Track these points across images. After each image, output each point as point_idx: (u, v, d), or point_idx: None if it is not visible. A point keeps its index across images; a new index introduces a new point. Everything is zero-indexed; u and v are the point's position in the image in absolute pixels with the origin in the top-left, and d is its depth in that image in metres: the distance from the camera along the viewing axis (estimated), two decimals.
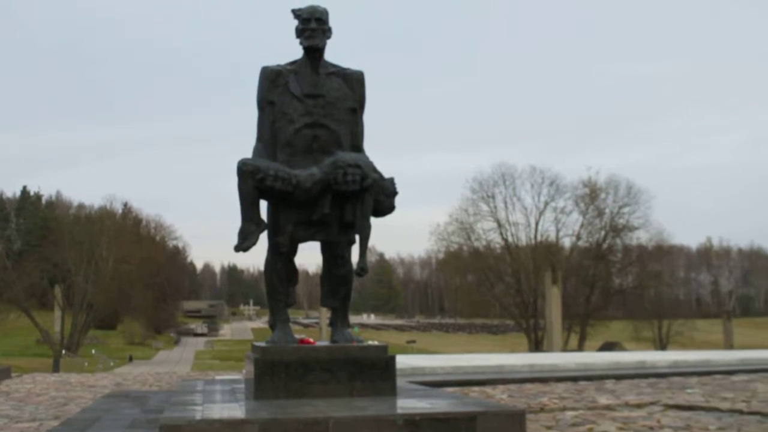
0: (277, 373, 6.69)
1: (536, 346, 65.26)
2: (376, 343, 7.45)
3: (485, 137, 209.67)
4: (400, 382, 7.73)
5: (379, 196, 7.37)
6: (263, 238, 7.28)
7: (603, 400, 10.18)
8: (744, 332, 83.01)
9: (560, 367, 16.21)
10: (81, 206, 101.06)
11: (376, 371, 6.89)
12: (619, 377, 14.45)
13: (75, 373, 21.69)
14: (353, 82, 7.58)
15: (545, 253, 69.18)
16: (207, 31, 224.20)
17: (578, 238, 72.18)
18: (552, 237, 72.68)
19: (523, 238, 71.78)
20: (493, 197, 71.70)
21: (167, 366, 51.46)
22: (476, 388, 12.21)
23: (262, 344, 7.25)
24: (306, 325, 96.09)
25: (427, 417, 5.64)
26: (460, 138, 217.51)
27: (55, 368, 47.17)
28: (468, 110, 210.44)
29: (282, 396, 6.61)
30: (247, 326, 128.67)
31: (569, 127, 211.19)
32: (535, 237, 71.56)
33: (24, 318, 66.83)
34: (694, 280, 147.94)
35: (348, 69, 7.66)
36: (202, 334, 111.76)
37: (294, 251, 7.50)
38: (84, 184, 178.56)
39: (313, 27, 7.39)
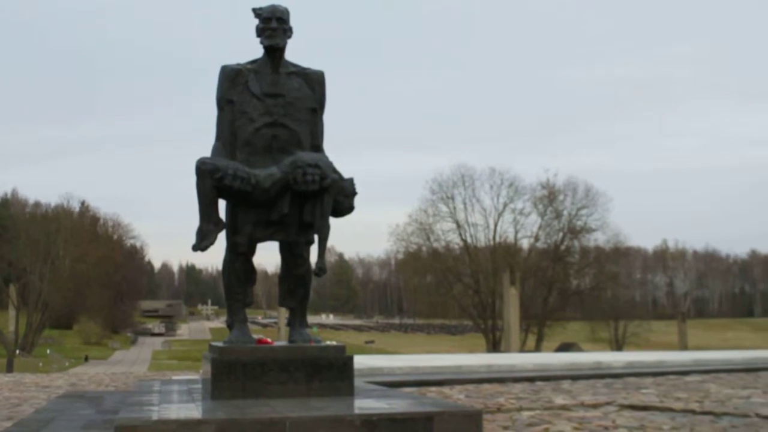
0: (235, 373, 6.66)
1: (494, 346, 65.50)
2: (334, 343, 7.44)
3: (445, 138, 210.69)
4: (358, 382, 7.74)
5: (339, 196, 7.37)
6: (221, 237, 7.24)
7: (559, 400, 10.28)
8: (698, 333, 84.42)
9: (517, 368, 16.32)
10: (37, 204, 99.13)
11: (334, 371, 6.89)
12: (575, 378, 14.60)
13: (29, 374, 21.41)
14: (313, 82, 7.58)
15: (504, 254, 69.44)
16: (170, 30, 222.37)
17: (536, 239, 72.62)
18: (510, 238, 73.00)
19: (482, 239, 72.07)
20: (453, 198, 71.81)
21: (124, 366, 50.87)
22: (434, 389, 12.24)
23: (220, 344, 7.20)
24: (264, 325, 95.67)
25: (385, 417, 5.66)
26: (419, 139, 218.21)
27: (9, 368, 46.25)
28: (428, 111, 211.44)
29: (239, 396, 6.59)
30: (205, 326, 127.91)
31: (528, 129, 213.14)
32: (494, 238, 71.82)
33: None
34: (650, 281, 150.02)
35: (308, 69, 7.65)
36: (159, 334, 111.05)
37: (252, 251, 7.46)
38: (40, 182, 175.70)
39: (273, 26, 7.37)
